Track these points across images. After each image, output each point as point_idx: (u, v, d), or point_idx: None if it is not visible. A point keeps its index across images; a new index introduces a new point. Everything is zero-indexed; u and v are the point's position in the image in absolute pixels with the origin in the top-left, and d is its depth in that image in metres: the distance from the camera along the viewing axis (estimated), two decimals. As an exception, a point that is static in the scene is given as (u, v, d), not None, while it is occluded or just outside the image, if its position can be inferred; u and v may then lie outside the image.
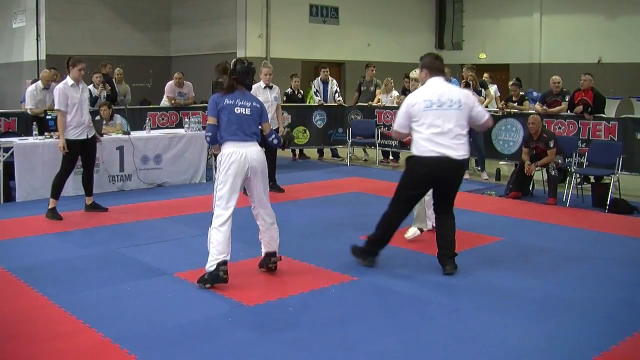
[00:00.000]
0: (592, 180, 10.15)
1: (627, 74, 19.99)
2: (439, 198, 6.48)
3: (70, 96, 8.43)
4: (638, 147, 10.77)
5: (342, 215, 8.98)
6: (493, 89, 14.46)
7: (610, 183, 9.81)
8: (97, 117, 10.97)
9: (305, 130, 14.81)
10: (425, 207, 7.46)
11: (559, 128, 11.54)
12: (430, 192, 7.41)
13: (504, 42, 22.58)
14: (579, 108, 11.32)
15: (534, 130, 10.08)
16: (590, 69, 13.29)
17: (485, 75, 15.75)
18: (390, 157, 14.77)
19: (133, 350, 4.51)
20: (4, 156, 9.67)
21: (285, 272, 6.21)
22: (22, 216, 8.80)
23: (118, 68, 14.31)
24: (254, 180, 5.92)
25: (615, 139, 10.94)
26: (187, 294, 5.76)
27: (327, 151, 15.56)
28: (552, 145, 9.87)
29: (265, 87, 10.18)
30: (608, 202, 9.54)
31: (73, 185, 9.58)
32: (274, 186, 9.96)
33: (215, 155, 10.30)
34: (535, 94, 15.13)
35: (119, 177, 10.69)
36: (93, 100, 11.89)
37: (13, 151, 9.68)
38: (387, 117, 14.42)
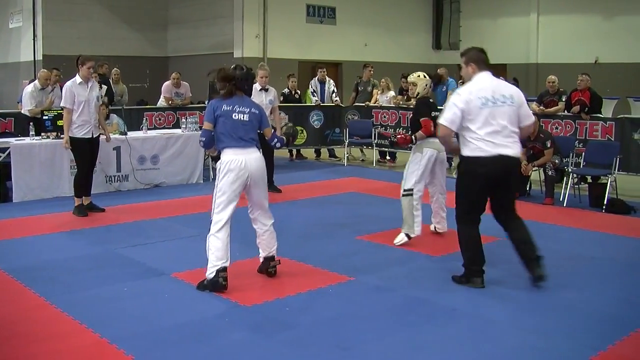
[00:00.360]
0: (589, 180, 10.17)
1: (624, 74, 20.03)
2: (497, 206, 6.00)
3: (78, 94, 8.49)
4: (635, 147, 10.79)
5: (340, 216, 8.98)
6: None
7: (607, 183, 9.81)
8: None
9: (302, 131, 14.79)
10: (415, 213, 7.33)
11: (556, 128, 11.55)
12: (419, 194, 7.38)
13: (501, 42, 22.57)
14: (576, 108, 11.34)
15: (531, 130, 10.07)
16: (587, 69, 13.29)
17: None
18: (387, 157, 14.74)
19: (130, 351, 4.50)
20: (0, 157, 9.65)
21: (282, 272, 6.20)
22: (19, 216, 8.78)
23: (115, 68, 14.31)
24: (253, 187, 5.91)
25: (612, 139, 10.96)
26: (185, 295, 5.75)
27: (324, 151, 15.55)
28: (549, 145, 9.86)
29: (260, 90, 10.11)
30: (605, 202, 9.54)
31: (69, 185, 9.56)
32: (271, 186, 9.92)
33: (212, 157, 10.35)
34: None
35: (116, 177, 10.68)
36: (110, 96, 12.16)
37: (10, 152, 9.66)
38: (384, 117, 14.43)
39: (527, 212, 9.26)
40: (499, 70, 18.83)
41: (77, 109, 8.52)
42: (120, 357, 4.45)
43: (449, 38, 25.09)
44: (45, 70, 11.95)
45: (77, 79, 8.59)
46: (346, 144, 14.63)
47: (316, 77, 15.35)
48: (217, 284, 5.69)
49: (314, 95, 15.11)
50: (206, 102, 13.07)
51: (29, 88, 11.46)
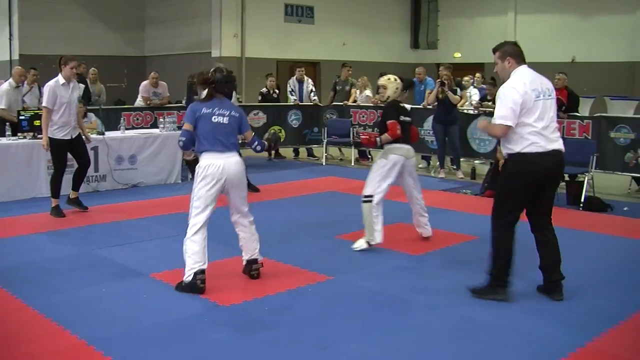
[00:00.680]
0: (567, 178, 10.23)
1: (601, 73, 20.21)
2: (537, 207, 5.66)
3: (60, 95, 8.40)
4: (612, 146, 10.90)
5: (318, 215, 8.98)
6: (474, 92, 14.05)
7: (584, 181, 9.90)
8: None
9: (280, 130, 14.77)
10: (374, 220, 7.05)
11: (534, 127, 11.59)
12: (379, 197, 7.03)
13: (479, 41, 22.57)
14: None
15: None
16: (564, 68, 13.40)
17: (477, 75, 15.82)
18: (369, 156, 14.66)
19: (109, 352, 4.48)
20: (-24, 157, 9.56)
21: (261, 272, 6.17)
22: (-5, 218, 8.71)
23: (92, 68, 14.22)
24: (231, 191, 5.90)
25: (590, 138, 11.05)
26: (163, 295, 5.73)
27: (302, 151, 15.56)
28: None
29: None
30: (582, 200, 9.62)
31: (47, 186, 9.47)
32: (249, 186, 9.91)
33: (187, 162, 10.28)
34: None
35: (94, 177, 10.60)
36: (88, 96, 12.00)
37: (-14, 152, 9.57)
38: (363, 116, 14.45)
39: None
40: (476, 70, 19.00)
41: (59, 110, 8.42)
42: (99, 358, 4.42)
43: (427, 37, 25.15)
44: (20, 68, 11.85)
45: (60, 79, 8.47)
46: (324, 143, 14.65)
47: (294, 77, 15.35)
48: (195, 287, 5.68)
49: (292, 95, 15.11)
50: (184, 101, 13.03)
51: (4, 86, 11.34)
